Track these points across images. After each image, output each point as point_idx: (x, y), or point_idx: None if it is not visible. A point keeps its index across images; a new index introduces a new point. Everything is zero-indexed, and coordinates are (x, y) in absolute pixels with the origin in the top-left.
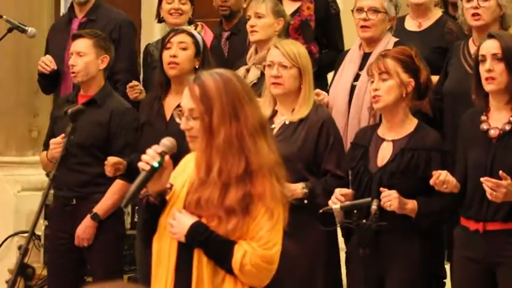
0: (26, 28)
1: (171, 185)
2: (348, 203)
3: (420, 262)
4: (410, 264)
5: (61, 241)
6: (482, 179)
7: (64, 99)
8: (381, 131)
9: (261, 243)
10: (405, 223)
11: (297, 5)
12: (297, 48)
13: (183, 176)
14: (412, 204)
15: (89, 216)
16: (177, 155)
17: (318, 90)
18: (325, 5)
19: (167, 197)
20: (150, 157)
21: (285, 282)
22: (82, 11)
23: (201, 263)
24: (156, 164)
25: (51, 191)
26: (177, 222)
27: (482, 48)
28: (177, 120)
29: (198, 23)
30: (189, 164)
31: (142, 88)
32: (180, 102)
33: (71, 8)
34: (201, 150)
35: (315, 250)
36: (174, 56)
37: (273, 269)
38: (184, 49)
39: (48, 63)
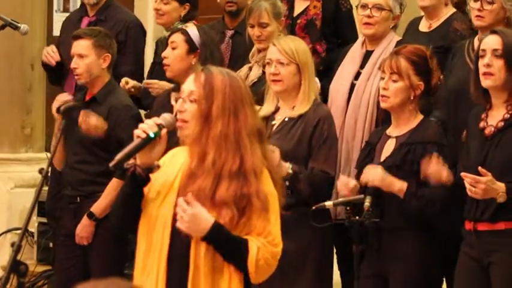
0: (19, 25)
1: (159, 165)
2: (340, 199)
3: (419, 262)
4: (409, 265)
5: (67, 238)
6: (461, 174)
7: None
8: (389, 129)
9: (269, 239)
10: (400, 221)
11: (307, 3)
12: (294, 45)
13: (171, 168)
14: (400, 185)
15: (86, 215)
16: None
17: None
18: (334, 3)
19: (152, 175)
20: (147, 126)
21: (271, 277)
22: (93, 10)
23: (198, 255)
24: (152, 134)
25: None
26: (192, 216)
27: (483, 43)
28: (172, 102)
29: (189, 23)
30: (177, 157)
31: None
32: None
33: (83, 6)
34: (194, 139)
35: (304, 248)
36: (165, 58)
37: (276, 266)
38: (174, 48)
39: (51, 53)
